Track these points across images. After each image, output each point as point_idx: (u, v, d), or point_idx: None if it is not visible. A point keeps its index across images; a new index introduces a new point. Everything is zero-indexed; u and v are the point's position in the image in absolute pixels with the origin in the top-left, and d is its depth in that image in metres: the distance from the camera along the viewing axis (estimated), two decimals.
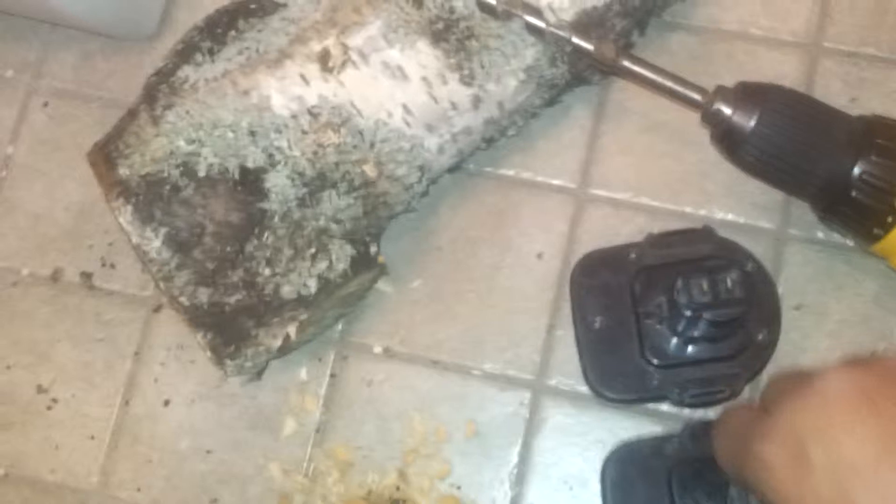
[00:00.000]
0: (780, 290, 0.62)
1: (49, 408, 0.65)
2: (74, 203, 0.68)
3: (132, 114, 0.58)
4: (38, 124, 0.70)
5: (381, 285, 0.64)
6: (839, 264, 0.62)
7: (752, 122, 0.54)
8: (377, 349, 0.64)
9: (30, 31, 0.72)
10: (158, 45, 0.71)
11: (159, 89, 0.58)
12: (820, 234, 0.63)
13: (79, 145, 0.68)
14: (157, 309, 0.66)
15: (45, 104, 0.70)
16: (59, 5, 0.62)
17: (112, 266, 0.67)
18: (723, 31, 0.67)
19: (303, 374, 0.64)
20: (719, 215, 0.63)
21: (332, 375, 0.64)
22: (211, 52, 0.59)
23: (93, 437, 0.64)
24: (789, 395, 0.42)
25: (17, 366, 0.66)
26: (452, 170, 0.63)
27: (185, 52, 0.59)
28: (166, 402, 0.64)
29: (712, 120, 0.56)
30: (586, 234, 0.64)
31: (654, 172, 0.64)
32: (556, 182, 0.65)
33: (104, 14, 0.67)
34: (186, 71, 0.58)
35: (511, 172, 0.66)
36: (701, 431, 0.55)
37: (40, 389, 0.65)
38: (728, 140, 0.56)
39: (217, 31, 0.60)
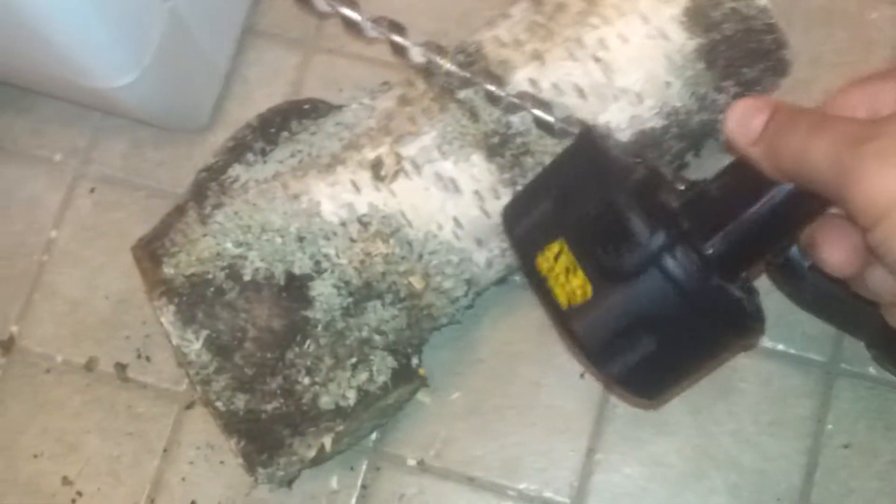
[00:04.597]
0: (829, 426, 0.60)
1: (74, 501, 0.64)
2: (114, 292, 0.68)
3: (180, 210, 0.58)
4: (84, 210, 0.70)
5: (420, 396, 0.63)
6: (891, 404, 0.61)
7: (810, 261, 0.53)
8: (411, 461, 0.62)
9: (81, 116, 0.72)
10: (209, 137, 0.71)
11: (209, 187, 0.58)
12: (872, 371, 0.61)
13: (123, 233, 0.68)
14: (190, 405, 0.65)
15: (92, 190, 0.70)
16: (112, 96, 0.62)
17: (147, 359, 0.66)
18: None
19: (333, 482, 0.62)
20: (769, 344, 0.62)
21: (364, 486, 0.62)
22: (263, 153, 0.59)
23: None
24: None
25: (45, 455, 0.65)
26: (499, 282, 0.62)
27: (237, 151, 0.59)
28: None
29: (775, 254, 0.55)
30: None
31: None
32: None
33: (157, 105, 0.67)
34: (237, 170, 0.58)
35: None
36: None
37: (66, 481, 0.64)
38: (784, 275, 0.55)
39: (270, 130, 0.60)
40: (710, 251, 0.44)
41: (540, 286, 0.48)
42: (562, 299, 0.47)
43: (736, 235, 0.44)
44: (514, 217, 0.52)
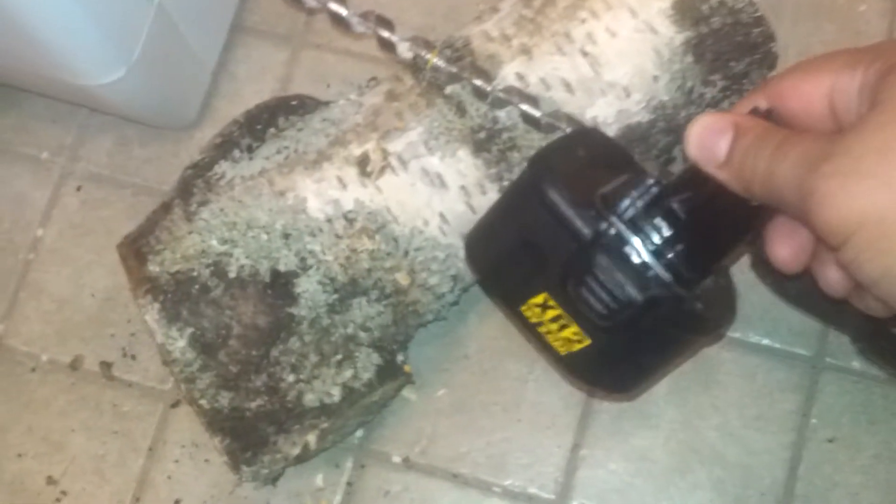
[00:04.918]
0: (814, 420, 0.60)
1: (58, 500, 0.64)
2: (100, 290, 0.67)
3: (166, 207, 0.58)
4: (70, 208, 0.70)
5: (405, 393, 0.63)
6: (876, 397, 0.61)
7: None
8: (396, 459, 0.62)
9: (68, 114, 0.72)
10: (196, 134, 0.70)
11: (195, 184, 0.58)
12: (857, 365, 0.61)
13: (109, 231, 0.68)
14: (175, 404, 0.64)
15: (79, 188, 0.70)
16: (99, 93, 0.62)
17: (133, 357, 0.66)
18: None
19: (318, 480, 0.62)
20: (754, 339, 0.62)
21: (349, 484, 0.62)
22: (249, 149, 0.59)
23: None
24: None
25: (29, 455, 0.65)
26: None
27: (223, 147, 0.59)
28: (177, 502, 0.63)
29: (753, 246, 0.55)
30: None
31: None
32: None
33: (144, 102, 0.67)
34: (223, 167, 0.58)
35: None
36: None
37: (50, 481, 0.64)
38: (768, 269, 0.55)
39: (257, 127, 0.60)
40: (682, 268, 0.45)
41: (531, 331, 0.50)
42: (558, 347, 0.49)
43: (701, 249, 0.45)
44: (478, 253, 0.53)
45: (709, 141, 0.41)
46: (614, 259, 0.45)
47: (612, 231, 0.45)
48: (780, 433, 0.60)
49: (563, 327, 0.48)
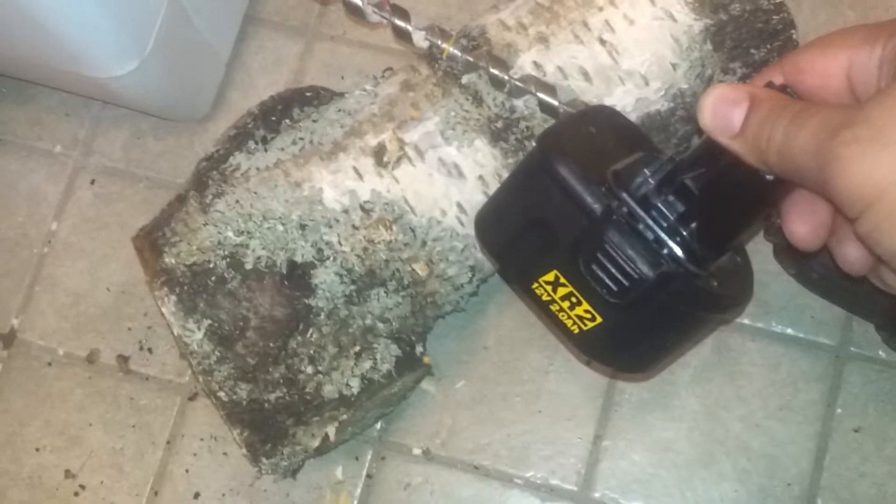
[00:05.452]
0: (839, 410, 0.59)
1: (76, 494, 0.63)
2: (116, 284, 0.67)
3: (181, 200, 0.57)
4: (85, 201, 0.69)
5: (425, 385, 0.62)
6: None
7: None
8: (416, 451, 0.62)
9: (82, 107, 0.71)
10: (211, 126, 0.70)
11: (210, 176, 0.57)
12: (882, 354, 0.61)
13: (124, 225, 0.68)
14: (193, 397, 0.64)
15: (93, 181, 0.70)
16: (113, 85, 0.62)
17: (150, 350, 0.65)
18: None
19: (338, 473, 0.62)
20: (778, 328, 0.61)
21: (369, 476, 0.62)
22: (264, 141, 0.58)
23: None
24: None
25: (47, 449, 0.64)
26: None
27: (238, 139, 0.59)
28: (196, 495, 0.62)
29: (776, 234, 0.54)
30: None
31: None
32: None
33: (158, 94, 0.66)
34: (238, 158, 0.57)
35: None
36: None
37: (68, 474, 0.64)
38: (792, 256, 0.54)
39: (271, 118, 0.59)
40: (695, 246, 0.44)
41: (542, 308, 0.49)
42: (570, 325, 0.48)
43: (716, 226, 0.44)
44: (488, 231, 0.52)
45: (723, 111, 0.40)
46: (626, 236, 0.44)
47: (624, 208, 0.44)
48: (805, 423, 0.60)
49: (574, 305, 0.47)
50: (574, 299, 0.47)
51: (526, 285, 0.49)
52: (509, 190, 0.51)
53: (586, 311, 0.47)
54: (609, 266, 0.44)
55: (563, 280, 0.47)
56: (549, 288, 0.48)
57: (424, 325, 0.59)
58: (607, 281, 0.45)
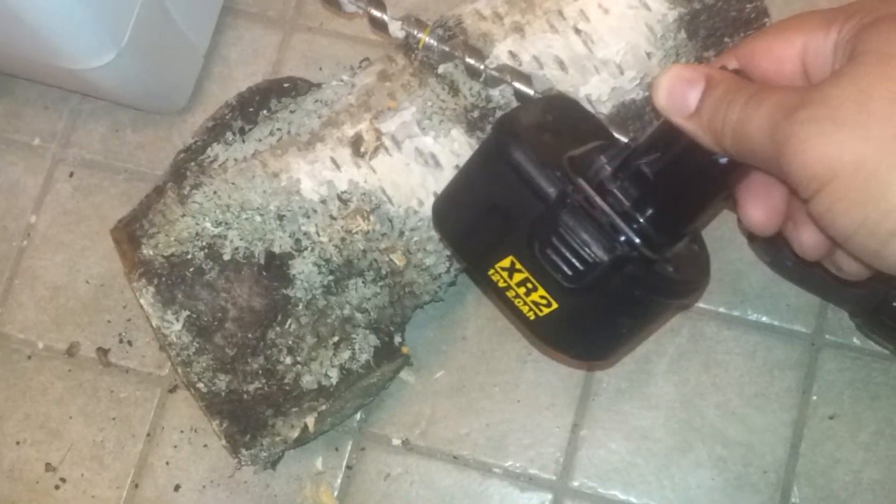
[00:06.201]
0: (814, 398, 0.60)
1: (57, 487, 0.63)
2: (95, 276, 0.67)
3: (159, 191, 0.57)
4: (63, 194, 0.69)
5: (404, 375, 0.62)
6: (876, 373, 0.61)
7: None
8: (396, 441, 0.62)
9: (60, 100, 0.71)
10: (189, 118, 0.70)
11: (188, 167, 0.57)
12: (856, 341, 0.61)
13: (103, 217, 0.68)
14: (173, 389, 0.64)
15: (71, 174, 0.70)
16: (90, 77, 0.62)
17: (129, 343, 0.65)
18: None
19: (318, 464, 0.62)
20: (753, 316, 0.62)
21: (349, 467, 0.62)
22: (242, 132, 0.58)
23: None
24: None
25: (27, 442, 0.64)
26: None
27: (216, 130, 0.59)
28: (177, 487, 0.62)
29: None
30: None
31: None
32: None
33: (136, 86, 0.66)
34: (216, 150, 0.57)
35: None
36: None
37: (49, 468, 0.64)
38: (766, 244, 0.55)
39: (249, 109, 0.59)
40: (651, 231, 0.44)
41: (499, 295, 0.49)
42: (526, 311, 0.48)
43: (671, 211, 0.44)
44: (446, 219, 0.52)
45: (679, 91, 0.40)
46: (581, 220, 0.44)
47: (580, 193, 0.44)
48: (780, 411, 0.60)
49: (530, 291, 0.47)
50: (530, 285, 0.47)
51: (483, 272, 0.48)
52: (465, 177, 0.51)
53: (542, 297, 0.47)
54: (564, 250, 0.44)
55: (518, 266, 0.47)
56: (504, 274, 0.47)
57: (403, 315, 0.59)
58: (562, 265, 0.44)
